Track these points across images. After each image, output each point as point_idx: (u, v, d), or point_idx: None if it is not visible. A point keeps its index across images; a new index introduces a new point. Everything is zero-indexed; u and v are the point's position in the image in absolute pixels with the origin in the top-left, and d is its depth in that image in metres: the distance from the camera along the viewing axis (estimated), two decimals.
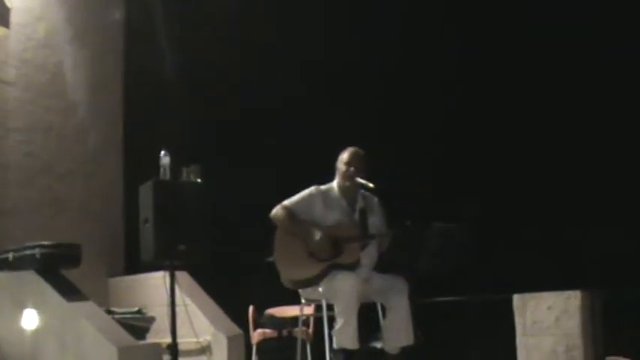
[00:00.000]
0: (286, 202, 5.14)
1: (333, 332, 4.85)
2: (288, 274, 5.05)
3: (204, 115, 8.04)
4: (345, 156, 5.23)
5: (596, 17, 5.84)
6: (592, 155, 5.78)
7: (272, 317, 6.53)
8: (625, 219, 5.62)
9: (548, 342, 5.16)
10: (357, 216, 5.17)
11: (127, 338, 6.24)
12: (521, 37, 6.32)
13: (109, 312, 6.83)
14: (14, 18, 8.24)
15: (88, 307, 6.48)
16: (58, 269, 6.76)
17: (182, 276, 6.51)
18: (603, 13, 5.80)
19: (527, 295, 5.34)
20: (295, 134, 7.40)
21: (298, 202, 5.15)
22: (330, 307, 4.95)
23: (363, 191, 5.27)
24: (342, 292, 4.79)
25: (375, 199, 5.35)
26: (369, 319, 5.14)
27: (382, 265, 5.22)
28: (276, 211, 5.12)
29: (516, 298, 5.39)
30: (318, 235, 4.99)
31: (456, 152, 6.65)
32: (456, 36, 6.77)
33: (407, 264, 5.19)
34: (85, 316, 6.31)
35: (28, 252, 6.76)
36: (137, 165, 7.45)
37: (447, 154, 6.69)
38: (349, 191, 5.21)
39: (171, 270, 5.29)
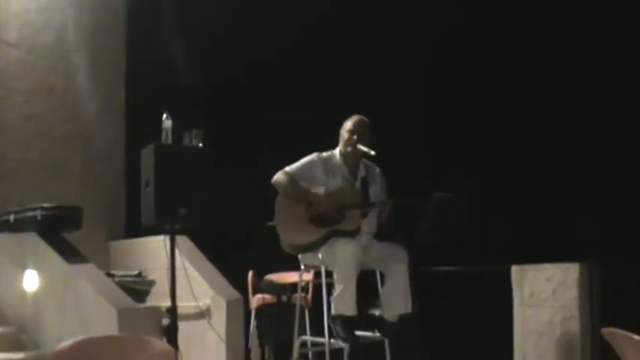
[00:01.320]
0: (288, 168, 5.15)
1: (332, 298, 4.88)
2: (289, 239, 5.07)
3: (207, 78, 8.02)
4: (349, 124, 5.23)
5: None
6: (595, 126, 5.76)
7: (271, 283, 6.55)
8: (625, 193, 5.61)
9: (546, 313, 5.18)
10: (358, 184, 5.19)
11: (127, 301, 6.28)
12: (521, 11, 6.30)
13: (110, 275, 6.87)
14: None
15: (88, 269, 6.52)
16: (59, 231, 6.79)
17: (182, 240, 6.51)
18: None
19: (526, 267, 5.35)
20: (299, 99, 7.37)
21: (300, 168, 5.16)
22: (329, 274, 4.97)
23: (365, 160, 5.28)
24: (341, 258, 4.81)
25: (377, 169, 5.35)
26: (367, 286, 5.15)
27: (382, 234, 5.24)
28: (278, 176, 5.13)
29: (515, 269, 5.40)
30: (320, 199, 5.01)
31: (457, 123, 6.62)
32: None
33: (406, 233, 5.18)
34: (86, 278, 6.35)
35: (29, 214, 6.80)
36: (138, 128, 7.42)
37: (447, 125, 6.66)
38: (351, 159, 5.21)
39: (172, 234, 5.28)
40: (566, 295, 5.09)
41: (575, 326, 5.01)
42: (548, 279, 5.21)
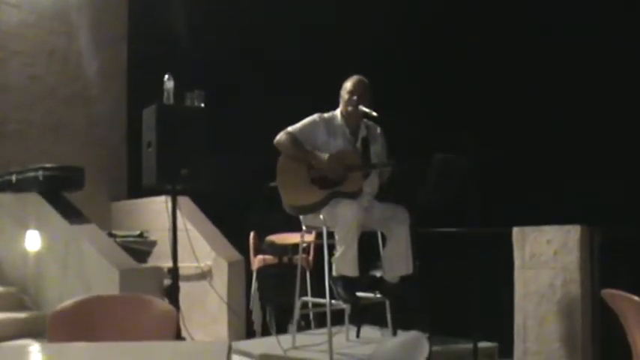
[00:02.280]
0: (290, 129, 5.10)
1: (333, 260, 4.87)
2: (290, 199, 5.03)
3: (210, 39, 7.96)
4: (348, 84, 5.18)
5: None
6: (598, 88, 5.72)
7: (273, 244, 6.56)
8: (627, 155, 5.59)
9: (546, 275, 5.17)
10: (359, 144, 5.16)
11: (129, 261, 6.30)
12: None
13: (112, 235, 6.88)
14: None
15: (90, 229, 6.54)
16: (61, 192, 6.79)
17: (184, 201, 6.53)
18: None
19: (527, 229, 5.33)
20: (301, 59, 7.33)
21: (302, 129, 5.11)
22: (330, 235, 4.95)
23: (366, 120, 5.24)
24: (343, 219, 4.78)
25: (378, 128, 5.32)
26: (369, 247, 5.14)
27: (383, 195, 5.22)
28: (280, 137, 5.08)
29: (516, 231, 5.38)
30: (322, 160, 4.97)
31: (458, 85, 6.56)
32: None
33: (408, 194, 5.14)
34: (88, 239, 6.36)
35: (31, 174, 6.79)
36: (141, 89, 7.38)
37: (449, 86, 6.61)
38: (352, 119, 5.17)
39: (173, 195, 5.30)
40: (566, 258, 5.08)
41: (575, 288, 5.01)
42: (548, 241, 5.19)
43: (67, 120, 8.66)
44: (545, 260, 5.18)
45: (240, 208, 7.33)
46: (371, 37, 6.95)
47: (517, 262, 5.35)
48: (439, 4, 6.73)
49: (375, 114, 5.00)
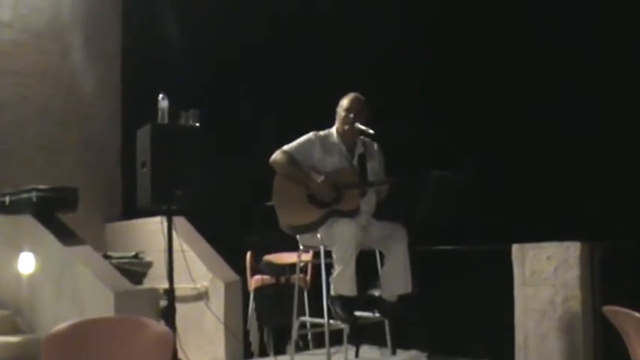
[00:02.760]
0: (285, 147, 5.12)
1: (331, 279, 4.87)
2: (287, 219, 5.05)
3: (205, 57, 7.98)
4: (345, 102, 5.20)
5: None
6: (598, 102, 5.71)
7: (270, 264, 6.56)
8: (626, 170, 5.59)
9: (547, 292, 5.16)
10: (356, 162, 5.18)
11: (124, 283, 6.27)
12: None
13: (106, 257, 6.86)
14: None
15: (85, 251, 6.51)
16: (55, 213, 6.77)
17: (179, 221, 6.50)
18: None
19: (527, 245, 5.33)
20: (295, 80, 7.32)
21: (297, 147, 5.13)
22: (328, 254, 4.96)
23: (362, 137, 5.26)
24: (340, 238, 4.79)
25: (375, 145, 5.33)
26: (367, 266, 5.15)
27: (381, 213, 5.22)
28: (276, 155, 5.10)
29: (515, 248, 5.37)
30: (319, 179, 4.98)
31: (457, 99, 6.57)
32: None
33: (405, 212, 5.18)
34: (82, 261, 6.34)
35: (24, 195, 6.78)
36: (135, 109, 7.40)
37: (448, 101, 6.62)
38: (349, 137, 5.19)
39: (169, 215, 5.29)
40: (567, 274, 5.08)
41: (576, 305, 5.01)
42: (549, 258, 5.19)
43: (60, 140, 8.65)
44: (546, 277, 5.18)
45: (237, 228, 7.33)
46: (368, 48, 6.97)
47: (517, 279, 5.34)
48: (433, 19, 6.76)
49: (371, 132, 5.03)
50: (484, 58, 6.46)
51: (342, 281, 4.80)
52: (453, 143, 6.19)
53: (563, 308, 5.05)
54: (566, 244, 5.13)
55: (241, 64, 7.84)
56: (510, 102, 6.24)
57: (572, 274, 5.06)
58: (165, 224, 5.32)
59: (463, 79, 6.56)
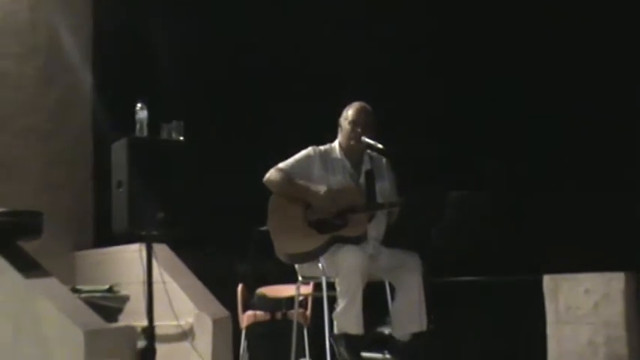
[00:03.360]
0: (281, 165, 5.20)
1: (334, 315, 4.91)
2: (284, 246, 5.13)
3: (188, 63, 8.05)
4: (350, 113, 5.27)
5: None
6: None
7: (264, 297, 6.59)
8: None
9: (585, 332, 5.11)
10: (362, 180, 5.24)
11: (96, 320, 6.23)
12: None
13: (75, 290, 6.83)
14: None
15: (49, 284, 6.47)
16: (15, 241, 6.78)
17: (161, 249, 6.48)
18: None
19: (561, 277, 5.30)
20: (294, 86, 7.48)
21: (295, 164, 5.21)
22: (330, 287, 5.01)
23: (369, 151, 5.32)
24: (345, 268, 4.84)
25: (384, 161, 5.39)
26: (375, 300, 5.19)
27: (392, 239, 5.28)
28: (271, 174, 5.18)
29: (547, 280, 5.35)
30: (321, 190, 5.07)
31: (478, 108, 6.65)
32: None
33: (420, 238, 5.23)
34: (47, 295, 6.30)
35: None
36: (109, 120, 7.46)
37: (468, 110, 6.69)
38: (354, 152, 5.28)
39: (149, 242, 5.33)
40: (609, 311, 5.03)
41: (621, 347, 4.96)
42: (587, 291, 5.16)
43: (20, 157, 8.64)
44: (584, 314, 5.14)
45: (227, 257, 7.39)
46: (374, 53, 7.07)
47: (550, 316, 5.32)
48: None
49: (380, 146, 5.10)
50: (516, 66, 6.55)
51: (346, 317, 4.85)
52: (475, 160, 6.22)
53: (606, 351, 5.00)
54: (607, 275, 5.10)
55: (232, 71, 7.93)
56: (538, 107, 6.33)
57: (615, 310, 5.01)
58: (145, 253, 5.34)
59: (490, 87, 6.66)
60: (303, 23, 7.47)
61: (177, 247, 7.21)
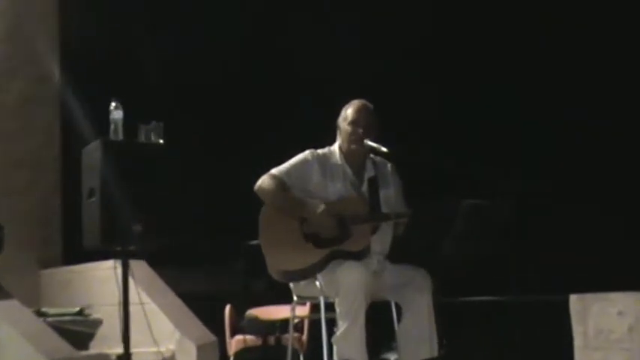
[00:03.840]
0: (275, 171, 5.18)
1: (334, 340, 4.89)
2: (278, 262, 5.12)
3: (169, 59, 8.13)
4: (349, 112, 5.26)
5: None
6: None
7: (255, 320, 6.60)
8: None
9: (619, 358, 5.15)
10: (365, 188, 5.24)
11: (64, 348, 6.21)
12: None
13: (41, 314, 6.81)
14: None
15: (11, 307, 6.45)
16: None
17: (138, 266, 6.55)
18: None
19: (590, 296, 5.25)
20: (289, 85, 7.59)
21: (290, 171, 5.19)
22: (330, 307, 5.00)
23: (373, 156, 5.32)
24: (346, 287, 4.82)
25: (389, 167, 5.39)
26: (380, 323, 5.20)
27: (398, 254, 5.27)
28: (263, 181, 5.16)
29: (574, 300, 5.28)
30: (318, 209, 5.05)
31: (494, 107, 6.80)
32: None
33: (430, 252, 5.21)
34: (7, 319, 6.29)
35: None
36: (80, 120, 7.48)
37: (482, 110, 6.83)
38: (356, 156, 5.26)
39: (125, 258, 5.34)
40: None
41: None
42: (620, 313, 5.07)
43: None
44: (617, 338, 5.06)
45: (213, 274, 7.38)
46: (375, 50, 7.14)
47: (578, 341, 5.25)
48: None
49: (385, 149, 5.10)
50: (529, 61, 6.76)
51: (347, 342, 4.83)
52: (492, 164, 6.21)
53: None
54: None
55: (219, 70, 8.00)
56: (559, 108, 6.48)
57: None
58: (120, 270, 5.35)
59: (501, 82, 6.84)
60: (295, 28, 7.74)
61: (157, 264, 7.23)
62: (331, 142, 5.38)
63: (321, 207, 5.05)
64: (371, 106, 5.29)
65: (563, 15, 6.95)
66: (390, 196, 5.31)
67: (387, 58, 7.21)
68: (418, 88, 7.12)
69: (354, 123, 5.22)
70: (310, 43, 7.61)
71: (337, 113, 5.35)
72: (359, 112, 5.25)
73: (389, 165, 5.40)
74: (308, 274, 5.09)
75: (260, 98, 7.84)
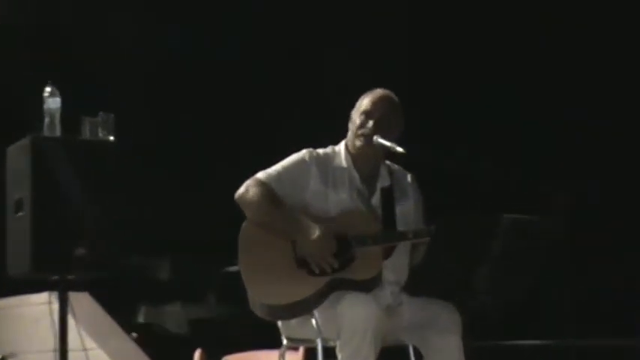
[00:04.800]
0: (262, 175, 5.11)
1: None
2: (262, 295, 5.04)
3: (126, 30, 8.19)
4: (365, 101, 5.23)
5: None
6: None
7: None
8: None
9: None
10: (376, 199, 5.20)
11: None
12: None
13: None
14: None
15: None
16: None
17: (81, 300, 6.52)
18: None
19: None
20: (278, 78, 7.79)
21: (281, 175, 5.13)
22: (329, 353, 4.96)
23: (389, 163, 5.30)
24: (350, 327, 4.77)
25: (410, 178, 5.38)
26: None
27: (418, 284, 5.20)
28: (246, 189, 5.09)
29: None
30: (314, 233, 4.97)
31: (540, 107, 6.99)
32: None
33: (459, 282, 5.12)
34: None
35: None
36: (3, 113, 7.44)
37: (525, 110, 7.04)
38: (366, 159, 5.21)
39: (63, 290, 5.29)
40: None
41: None
42: None
43: None
44: None
45: (179, 309, 7.33)
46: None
47: None
48: None
49: (400, 149, 5.02)
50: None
51: None
52: (536, 172, 6.25)
53: None
54: None
55: (189, 38, 8.16)
56: (618, 108, 6.70)
57: None
58: (57, 306, 5.29)
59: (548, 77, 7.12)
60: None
61: (105, 297, 7.15)
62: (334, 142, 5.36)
63: (318, 230, 4.97)
64: (395, 99, 5.26)
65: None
66: (408, 211, 5.30)
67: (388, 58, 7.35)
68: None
69: (365, 114, 5.18)
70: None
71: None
72: (376, 102, 5.20)
73: (409, 176, 5.39)
74: (301, 310, 5.02)
75: (239, 89, 8.03)
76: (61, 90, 5.35)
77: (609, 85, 7.15)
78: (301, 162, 5.18)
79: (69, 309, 5.30)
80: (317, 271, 4.99)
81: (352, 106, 5.30)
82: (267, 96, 8.01)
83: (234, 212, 5.12)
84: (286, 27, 8.18)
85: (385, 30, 8.18)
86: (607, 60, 7.42)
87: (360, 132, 5.16)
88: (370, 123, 5.13)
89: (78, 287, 5.81)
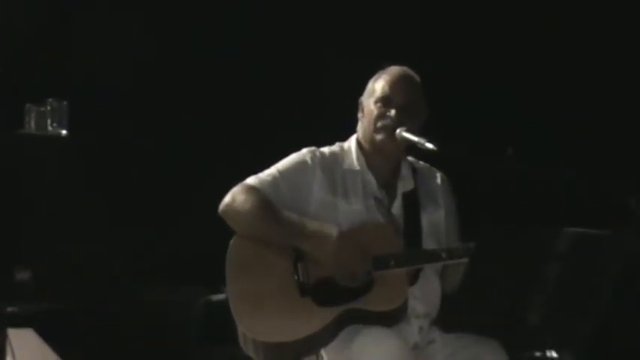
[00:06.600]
0: (253, 181, 4.86)
1: None
2: (256, 330, 4.73)
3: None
4: (380, 84, 4.95)
5: None
6: None
7: None
8: None
9: None
10: (398, 209, 4.92)
11: None
12: None
13: None
14: None
15: None
16: None
17: (24, 337, 6.26)
18: None
19: None
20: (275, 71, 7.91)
21: (277, 180, 4.88)
22: None
23: (413, 160, 5.04)
24: None
25: (439, 177, 5.18)
26: None
27: (454, 317, 4.68)
28: (233, 197, 4.83)
29: None
30: (333, 232, 4.67)
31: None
32: None
33: (507, 314, 4.69)
34: None
35: None
36: None
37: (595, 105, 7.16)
38: (384, 158, 4.96)
39: (2, 325, 5.12)
40: None
41: None
42: None
43: None
44: None
45: (151, 348, 7.13)
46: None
47: None
48: None
49: (430, 146, 4.70)
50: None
51: None
52: (603, 175, 5.91)
53: None
54: None
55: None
56: None
57: None
58: None
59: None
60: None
61: (55, 333, 6.71)
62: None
63: (333, 235, 4.66)
64: (417, 78, 5.00)
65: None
66: (438, 221, 5.07)
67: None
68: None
69: (383, 100, 4.85)
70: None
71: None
72: (395, 84, 4.90)
73: (439, 175, 5.19)
74: (307, 349, 4.76)
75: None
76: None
77: None
78: (302, 164, 4.93)
79: (8, 348, 5.12)
80: (346, 283, 4.69)
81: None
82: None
83: (222, 229, 4.88)
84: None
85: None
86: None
87: (380, 124, 4.84)
88: (392, 112, 4.84)
89: (20, 322, 5.58)
